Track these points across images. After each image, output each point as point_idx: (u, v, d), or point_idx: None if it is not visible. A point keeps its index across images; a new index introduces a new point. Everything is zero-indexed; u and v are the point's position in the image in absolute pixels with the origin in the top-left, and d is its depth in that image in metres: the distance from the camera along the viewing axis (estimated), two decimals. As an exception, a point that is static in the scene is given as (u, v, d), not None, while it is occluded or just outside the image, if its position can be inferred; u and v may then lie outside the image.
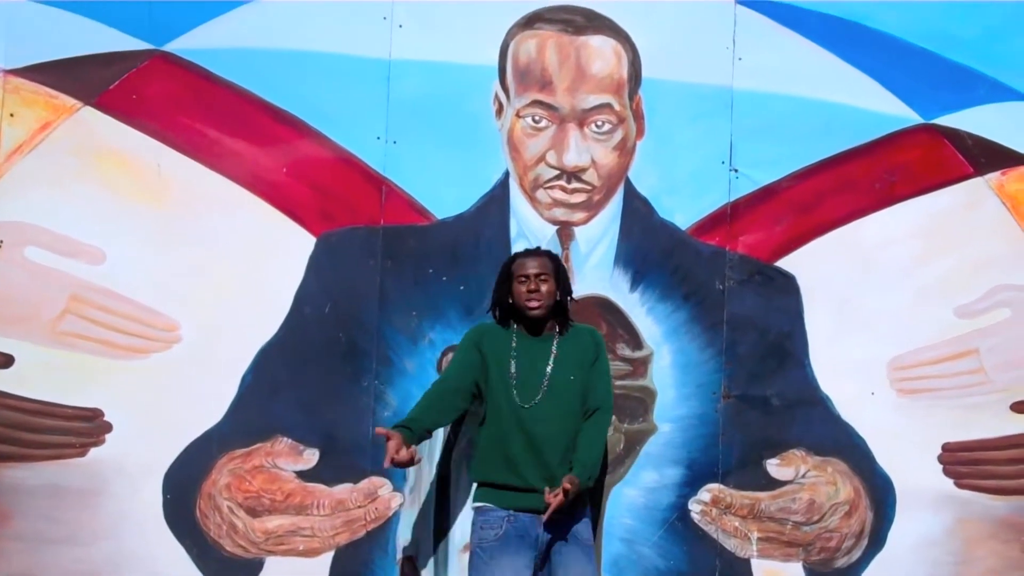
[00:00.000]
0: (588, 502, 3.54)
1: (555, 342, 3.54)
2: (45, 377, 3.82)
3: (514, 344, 3.53)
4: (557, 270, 3.57)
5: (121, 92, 3.89)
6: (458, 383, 3.53)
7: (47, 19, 3.88)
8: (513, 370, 3.49)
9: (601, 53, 3.99)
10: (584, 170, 3.98)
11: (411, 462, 3.40)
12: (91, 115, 3.88)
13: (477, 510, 3.50)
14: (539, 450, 3.42)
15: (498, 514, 3.42)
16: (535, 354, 3.51)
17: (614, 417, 3.91)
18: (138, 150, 3.88)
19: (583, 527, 3.47)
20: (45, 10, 3.88)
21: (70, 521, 3.81)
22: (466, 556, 3.82)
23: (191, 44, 3.91)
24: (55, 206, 3.85)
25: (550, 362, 3.49)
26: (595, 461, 3.48)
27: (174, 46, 3.91)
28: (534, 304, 3.49)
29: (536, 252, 3.62)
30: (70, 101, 3.88)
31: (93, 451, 3.83)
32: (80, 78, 3.88)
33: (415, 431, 3.40)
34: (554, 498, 3.27)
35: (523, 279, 3.50)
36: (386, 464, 3.31)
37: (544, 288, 3.49)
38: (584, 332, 3.62)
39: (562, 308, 3.58)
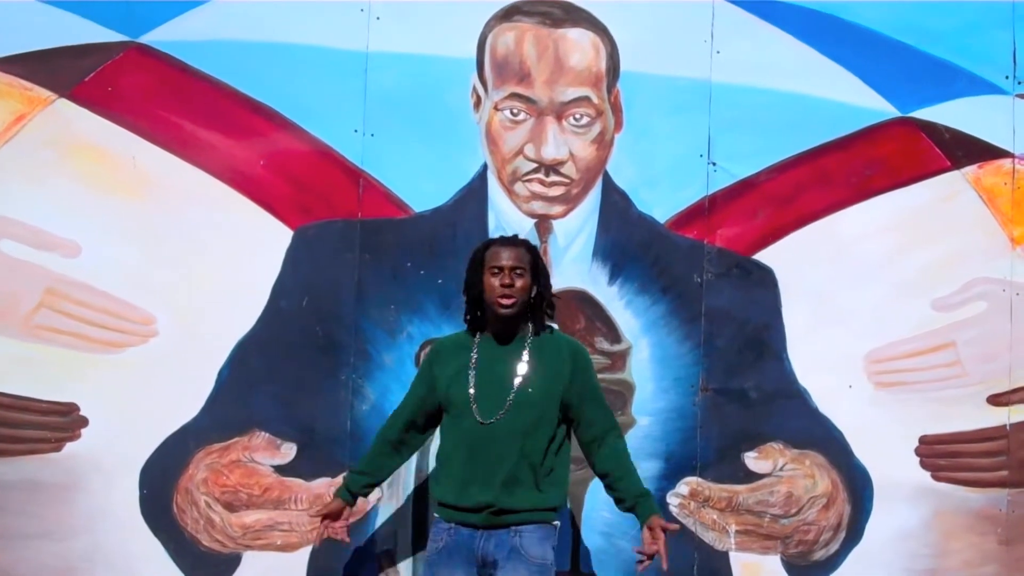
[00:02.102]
0: (545, 515, 3.26)
1: (526, 350, 3.26)
2: (20, 371, 3.80)
3: (474, 357, 3.27)
4: (535, 264, 3.30)
5: (96, 84, 3.86)
6: (400, 423, 3.43)
7: (21, 10, 3.84)
8: (472, 385, 3.24)
9: (579, 46, 3.99)
10: (562, 163, 3.97)
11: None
12: (66, 107, 3.85)
13: (433, 521, 3.36)
14: (491, 468, 3.19)
15: (442, 526, 3.25)
16: (501, 365, 3.25)
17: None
18: (114, 143, 3.85)
19: (531, 541, 3.20)
20: (19, 1, 3.84)
21: (45, 516, 3.79)
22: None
23: (167, 36, 3.88)
24: (30, 199, 3.82)
25: (518, 375, 3.24)
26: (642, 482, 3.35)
27: (150, 38, 3.88)
28: (506, 300, 3.20)
29: (512, 241, 3.34)
30: (45, 93, 3.85)
31: (68, 446, 3.80)
32: (55, 70, 3.84)
33: (353, 487, 3.43)
34: (658, 545, 3.20)
35: (496, 271, 3.23)
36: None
37: (519, 283, 3.22)
38: (563, 344, 3.33)
39: (538, 307, 3.31)
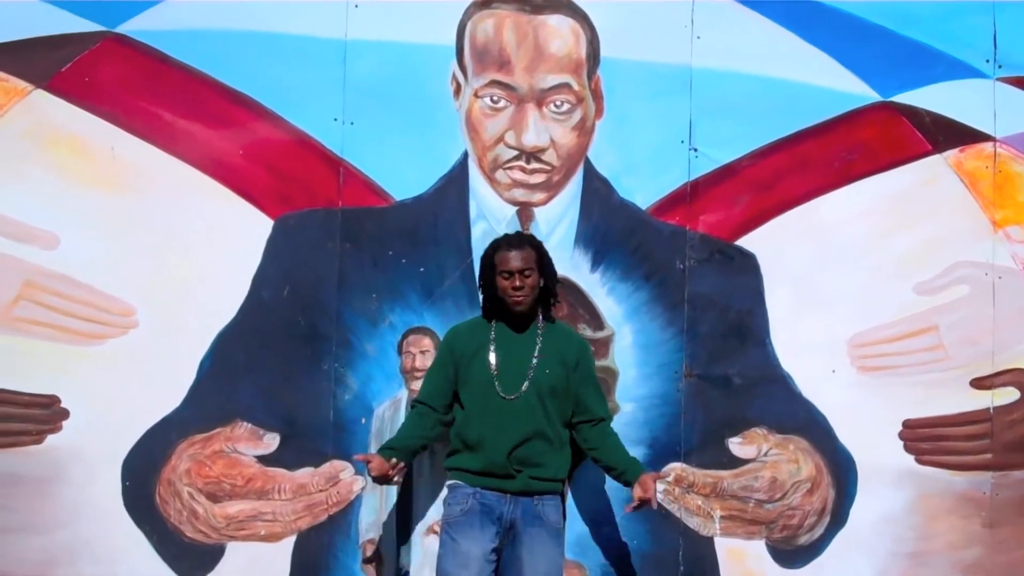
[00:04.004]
0: (560, 487, 3.54)
1: (540, 334, 3.54)
2: (0, 364, 3.77)
3: (493, 337, 3.53)
4: (541, 259, 3.54)
5: (73, 75, 3.84)
6: (435, 403, 3.55)
7: (-4, 1, 3.83)
8: (493, 362, 3.49)
9: (559, 32, 3.98)
10: (543, 150, 3.96)
11: (388, 478, 3.47)
12: (43, 98, 3.83)
13: (449, 488, 3.52)
14: (516, 441, 3.43)
15: (465, 491, 3.46)
16: (518, 345, 3.52)
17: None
18: (91, 133, 3.84)
19: (551, 509, 3.49)
20: (-7, -8, 3.83)
21: (27, 509, 3.77)
22: (429, 539, 3.83)
23: (144, 26, 3.86)
24: (7, 191, 3.80)
25: (535, 353, 3.50)
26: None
27: (126, 28, 3.86)
28: (518, 300, 3.47)
29: (519, 243, 3.53)
30: (21, 84, 3.82)
31: (50, 438, 3.79)
32: (32, 60, 3.82)
33: (397, 450, 3.49)
34: (645, 493, 3.43)
35: (506, 275, 3.47)
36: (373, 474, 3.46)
37: (528, 283, 3.47)
38: (573, 336, 3.65)
39: (546, 297, 3.58)
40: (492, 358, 3.49)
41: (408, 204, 3.94)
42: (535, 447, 3.45)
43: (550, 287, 3.58)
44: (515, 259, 3.47)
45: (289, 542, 3.85)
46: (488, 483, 3.45)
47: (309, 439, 3.86)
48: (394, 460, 3.47)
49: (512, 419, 3.44)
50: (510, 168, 3.96)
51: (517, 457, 3.43)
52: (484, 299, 3.61)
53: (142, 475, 3.81)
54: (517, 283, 3.45)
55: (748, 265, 4.03)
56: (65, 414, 3.79)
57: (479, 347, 3.52)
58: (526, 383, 3.46)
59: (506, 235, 3.65)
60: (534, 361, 3.49)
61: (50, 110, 3.83)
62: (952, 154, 4.10)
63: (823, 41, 4.08)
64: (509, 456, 3.42)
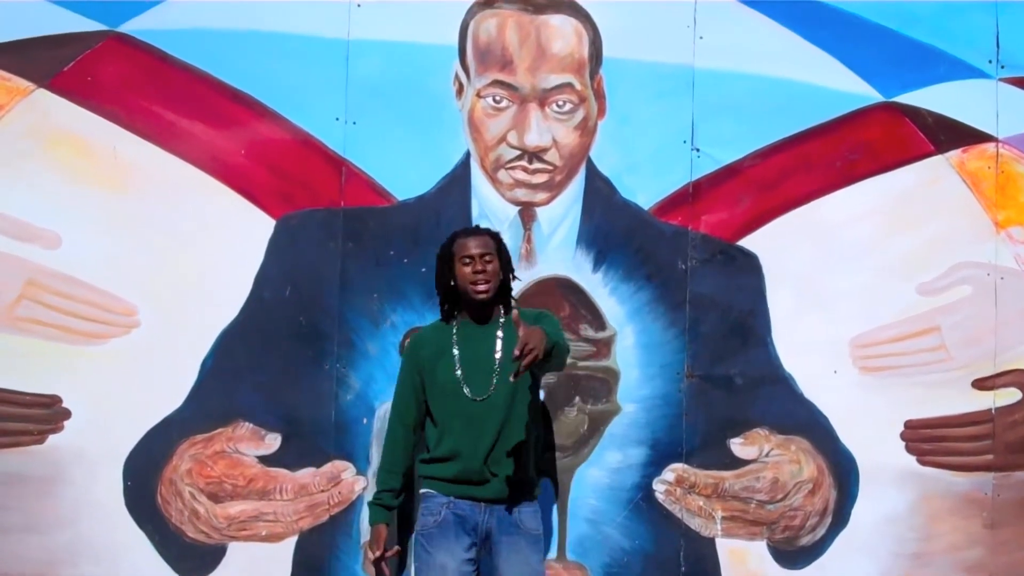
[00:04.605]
0: (536, 493, 3.48)
1: (500, 326, 3.44)
2: (1, 364, 3.77)
3: (455, 338, 3.44)
4: (499, 248, 3.48)
5: (75, 74, 3.83)
6: (410, 421, 3.49)
7: (-2, 0, 3.83)
8: (458, 364, 3.41)
9: (561, 32, 3.97)
10: (545, 150, 3.96)
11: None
12: (45, 97, 3.82)
13: (422, 497, 3.47)
14: (490, 442, 3.36)
15: (439, 500, 3.39)
16: (481, 342, 3.42)
17: (578, 398, 3.93)
18: (94, 133, 3.83)
19: (528, 516, 3.41)
20: (-4, -9, 3.83)
21: (28, 509, 3.77)
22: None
23: (146, 25, 3.86)
24: (10, 190, 3.80)
25: (498, 348, 3.40)
26: (555, 334, 3.29)
27: (129, 27, 3.86)
28: (482, 287, 3.38)
29: (477, 231, 3.52)
30: (23, 83, 3.82)
31: (51, 438, 3.78)
32: (33, 60, 3.82)
33: (394, 501, 3.48)
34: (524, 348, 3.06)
35: (467, 260, 3.40)
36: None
37: (490, 268, 3.39)
38: (530, 315, 3.45)
39: (506, 288, 3.50)
40: (456, 360, 3.41)
41: (410, 204, 3.93)
42: (510, 447, 3.37)
43: (507, 281, 3.50)
44: (474, 245, 3.41)
45: (291, 542, 3.84)
46: (462, 491, 3.37)
47: (311, 439, 3.85)
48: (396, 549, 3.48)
49: (484, 420, 3.36)
50: (512, 168, 3.96)
51: (494, 459, 3.36)
52: (441, 299, 3.53)
53: (144, 475, 3.81)
54: (479, 267, 3.37)
55: (750, 265, 4.03)
56: (67, 414, 3.79)
57: (442, 350, 3.44)
58: (494, 381, 3.37)
59: (463, 228, 3.61)
60: (498, 356, 3.39)
61: (52, 109, 3.82)
62: (954, 154, 4.10)
63: (825, 41, 4.07)
64: (486, 460, 3.35)
